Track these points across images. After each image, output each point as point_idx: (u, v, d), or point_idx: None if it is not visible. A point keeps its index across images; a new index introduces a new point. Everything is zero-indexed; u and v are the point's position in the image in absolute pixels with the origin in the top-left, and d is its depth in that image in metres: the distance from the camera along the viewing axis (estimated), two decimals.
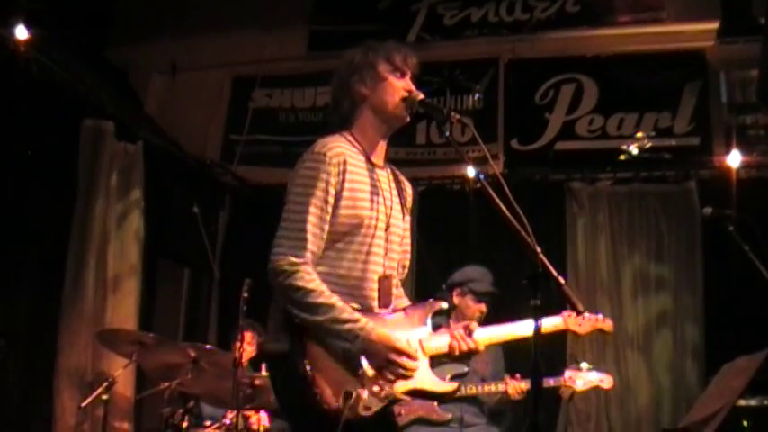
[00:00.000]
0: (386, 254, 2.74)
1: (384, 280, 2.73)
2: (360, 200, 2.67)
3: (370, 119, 2.78)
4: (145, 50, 7.42)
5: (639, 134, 6.53)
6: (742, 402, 3.87)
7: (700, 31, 6.48)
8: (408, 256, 2.95)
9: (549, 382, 4.50)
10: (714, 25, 6.38)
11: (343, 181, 2.64)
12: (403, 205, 2.88)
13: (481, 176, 2.61)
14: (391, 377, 2.55)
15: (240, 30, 7.31)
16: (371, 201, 2.70)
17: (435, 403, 4.52)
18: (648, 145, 6.48)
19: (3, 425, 4.96)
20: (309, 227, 2.56)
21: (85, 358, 5.44)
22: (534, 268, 2.36)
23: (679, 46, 6.54)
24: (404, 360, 2.54)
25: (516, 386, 4.48)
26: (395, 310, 2.76)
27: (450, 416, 4.52)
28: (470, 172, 2.79)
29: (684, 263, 6.17)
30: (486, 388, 4.53)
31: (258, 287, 4.26)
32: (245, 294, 4.38)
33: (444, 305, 2.87)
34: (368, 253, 2.68)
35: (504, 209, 2.44)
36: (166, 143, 6.72)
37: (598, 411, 5.98)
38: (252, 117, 7.31)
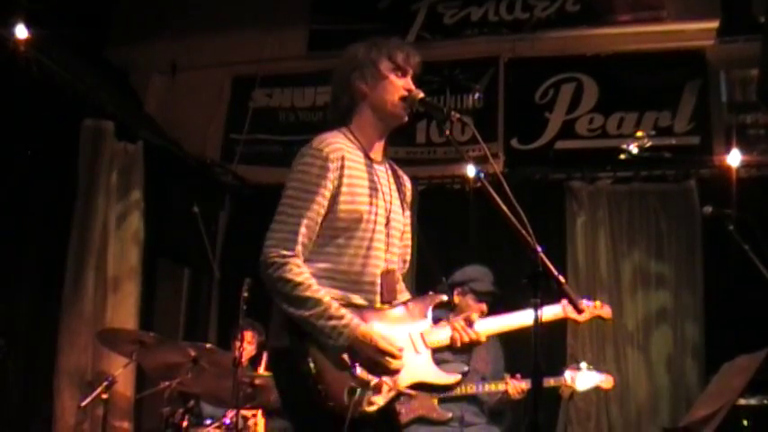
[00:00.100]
0: (387, 249, 2.74)
1: (387, 275, 2.72)
2: (358, 195, 2.67)
3: (368, 116, 2.77)
4: (145, 50, 7.42)
5: (639, 133, 6.52)
6: (742, 401, 3.87)
7: (700, 31, 6.47)
8: (409, 250, 2.95)
9: (550, 381, 4.50)
10: (714, 24, 6.38)
11: (342, 177, 2.63)
12: (402, 200, 2.87)
13: (481, 175, 2.60)
14: (377, 375, 2.54)
15: (240, 29, 7.31)
16: (370, 196, 2.70)
17: (435, 402, 4.53)
18: (648, 144, 6.47)
19: (3, 425, 4.96)
20: (302, 221, 2.56)
21: (85, 358, 5.44)
22: (534, 267, 2.36)
23: (679, 45, 6.54)
24: (386, 359, 2.54)
25: (517, 386, 4.48)
26: (396, 305, 2.75)
27: (450, 415, 4.52)
28: (470, 171, 2.78)
29: (684, 262, 6.17)
30: (487, 387, 4.53)
31: (258, 287, 4.24)
32: (245, 294, 4.39)
33: (444, 298, 2.87)
34: (369, 248, 2.67)
35: (504, 208, 2.44)
36: (166, 143, 6.71)
37: (598, 410, 5.98)
38: (252, 117, 7.31)
